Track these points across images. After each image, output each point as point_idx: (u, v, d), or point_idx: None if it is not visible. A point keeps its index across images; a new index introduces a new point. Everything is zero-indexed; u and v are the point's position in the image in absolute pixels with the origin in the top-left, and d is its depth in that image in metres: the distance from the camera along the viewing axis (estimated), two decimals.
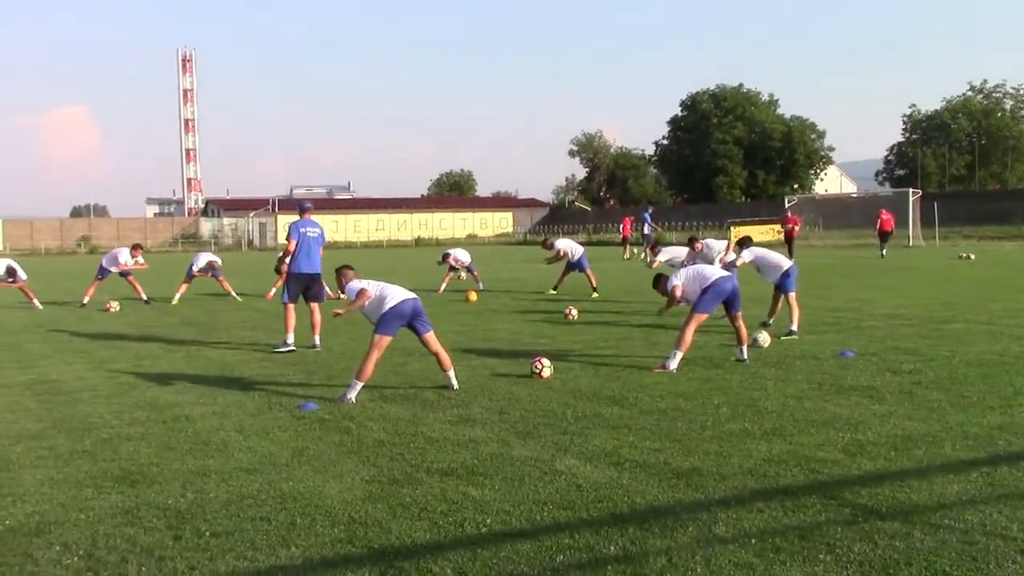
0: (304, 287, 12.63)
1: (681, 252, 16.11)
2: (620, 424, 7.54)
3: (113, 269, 20.81)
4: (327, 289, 13.30)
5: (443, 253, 23.34)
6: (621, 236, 40.78)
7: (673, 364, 9.99)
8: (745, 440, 6.93)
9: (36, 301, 20.01)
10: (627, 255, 38.31)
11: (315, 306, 12.60)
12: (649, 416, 7.83)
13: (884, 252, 35.76)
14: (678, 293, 10.39)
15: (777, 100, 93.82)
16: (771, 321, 13.28)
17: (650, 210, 42.30)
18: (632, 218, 44.44)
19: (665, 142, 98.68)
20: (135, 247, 21.43)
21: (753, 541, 4.76)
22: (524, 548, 4.75)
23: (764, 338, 11.57)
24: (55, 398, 9.26)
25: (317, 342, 12.45)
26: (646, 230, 38.41)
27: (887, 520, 5.04)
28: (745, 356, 10.51)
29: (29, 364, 11.60)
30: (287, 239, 12.68)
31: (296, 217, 12.86)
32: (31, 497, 5.85)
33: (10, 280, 19.81)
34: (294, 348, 12.21)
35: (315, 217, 13.06)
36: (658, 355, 10.80)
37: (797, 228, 38.09)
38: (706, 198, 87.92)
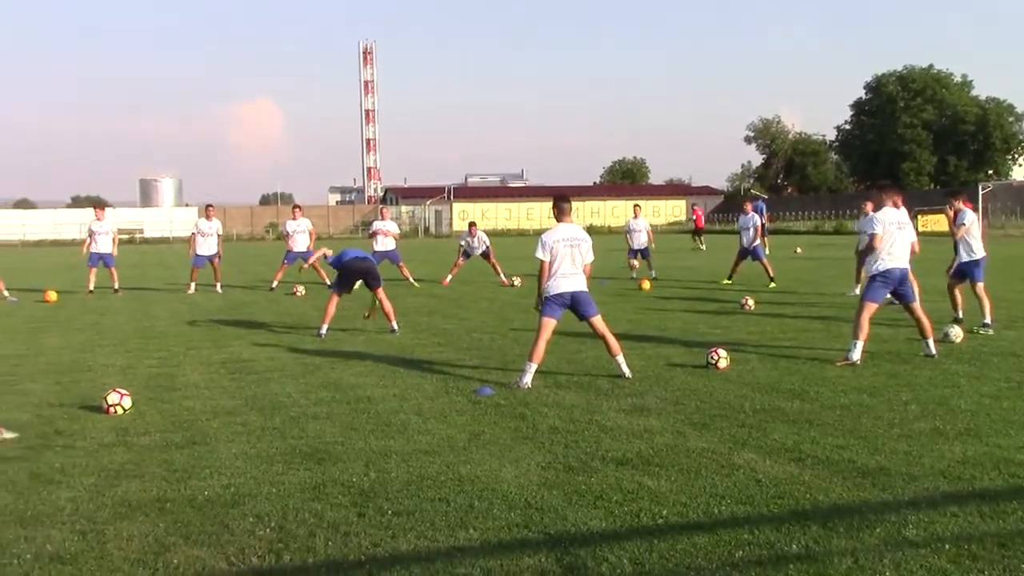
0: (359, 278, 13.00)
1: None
2: (800, 419, 7.31)
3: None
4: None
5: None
6: (695, 227, 40.56)
7: (856, 354, 9.61)
8: (936, 440, 6.58)
9: (219, 286, 20.99)
10: (701, 246, 37.83)
11: (379, 293, 12.91)
12: (831, 411, 7.56)
13: None
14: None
15: (971, 81, 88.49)
16: (961, 315, 12.54)
17: (762, 200, 40.70)
18: (701, 212, 43.61)
19: (847, 127, 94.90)
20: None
21: (947, 547, 4.51)
22: (702, 542, 4.67)
23: (956, 333, 10.97)
24: (247, 377, 9.76)
25: (395, 327, 12.95)
26: (762, 221, 36.93)
27: None
28: (933, 351, 9.98)
29: (224, 344, 12.28)
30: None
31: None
32: (226, 470, 6.19)
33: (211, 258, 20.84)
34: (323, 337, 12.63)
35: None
36: (840, 348, 10.41)
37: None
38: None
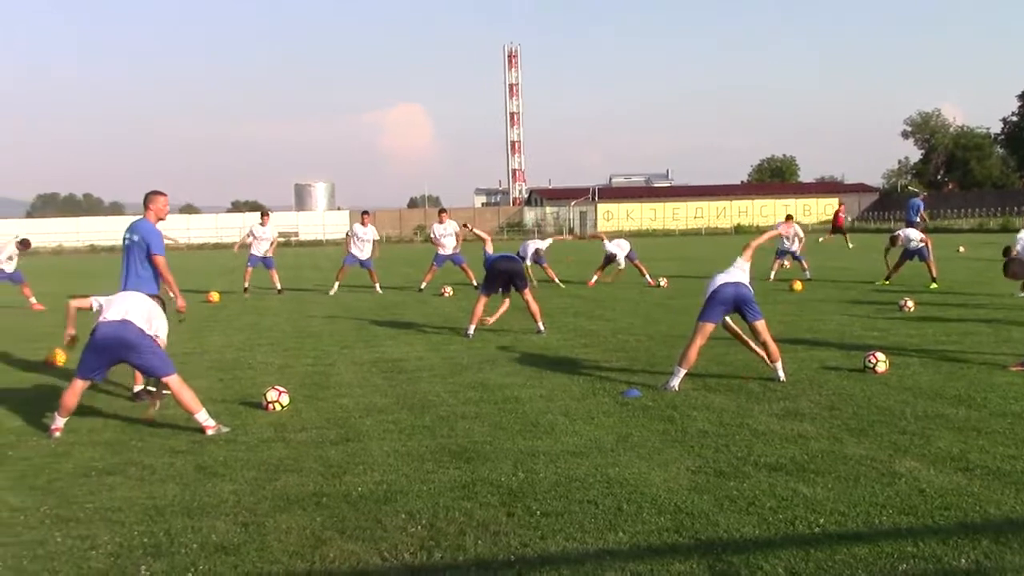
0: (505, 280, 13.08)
1: None
2: (967, 426, 6.94)
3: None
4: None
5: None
6: (832, 225, 39.08)
7: None
8: None
9: (378, 287, 21.54)
10: (850, 244, 36.41)
11: (526, 295, 12.97)
12: (1002, 419, 7.14)
13: None
14: None
15: None
16: None
17: (922, 196, 38.35)
18: (839, 210, 41.84)
19: (1015, 119, 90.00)
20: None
21: None
22: (861, 552, 4.49)
23: None
24: (398, 376, 9.96)
25: (541, 328, 13.07)
26: (916, 219, 33.99)
27: None
28: None
29: (375, 343, 12.57)
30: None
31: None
32: (379, 467, 6.33)
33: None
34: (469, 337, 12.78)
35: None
36: (1010, 352, 9.85)
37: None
38: None
